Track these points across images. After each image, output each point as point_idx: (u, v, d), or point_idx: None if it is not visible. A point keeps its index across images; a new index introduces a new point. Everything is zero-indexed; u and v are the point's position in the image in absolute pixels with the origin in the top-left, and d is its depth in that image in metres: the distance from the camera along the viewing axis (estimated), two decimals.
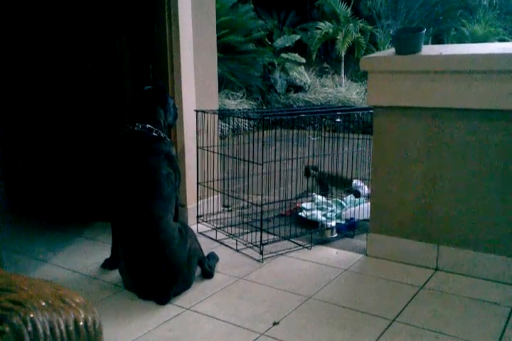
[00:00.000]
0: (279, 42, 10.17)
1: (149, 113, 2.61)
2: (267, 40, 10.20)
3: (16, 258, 2.77)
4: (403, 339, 1.98)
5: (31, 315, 0.89)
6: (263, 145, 2.81)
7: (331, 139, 3.53)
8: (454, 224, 2.57)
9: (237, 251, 2.90)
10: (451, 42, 10.15)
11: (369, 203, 2.93)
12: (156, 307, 2.22)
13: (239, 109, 5.61)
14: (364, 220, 3.20)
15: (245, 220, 3.32)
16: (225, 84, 8.50)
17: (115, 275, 2.50)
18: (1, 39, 3.48)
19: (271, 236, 3.01)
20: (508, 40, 9.73)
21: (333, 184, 3.78)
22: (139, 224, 2.32)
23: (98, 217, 3.29)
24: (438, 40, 10.62)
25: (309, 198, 3.60)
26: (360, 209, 3.27)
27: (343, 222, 3.21)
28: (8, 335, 0.85)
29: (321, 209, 3.40)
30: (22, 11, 3.39)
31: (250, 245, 2.92)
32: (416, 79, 2.55)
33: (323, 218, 3.22)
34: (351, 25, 10.11)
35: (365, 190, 3.54)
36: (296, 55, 9.97)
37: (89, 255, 2.83)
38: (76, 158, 3.39)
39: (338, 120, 3.34)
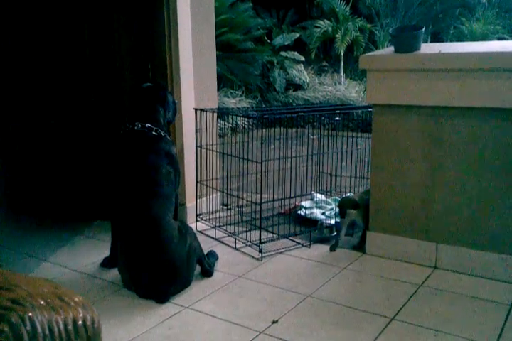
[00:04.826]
0: (278, 40, 10.15)
1: (149, 111, 2.60)
2: (266, 38, 10.17)
3: (15, 257, 2.77)
4: (402, 337, 1.98)
5: (30, 314, 0.89)
6: (262, 143, 2.81)
7: (330, 137, 3.53)
8: (453, 222, 2.57)
9: (236, 249, 2.90)
10: (450, 41, 10.14)
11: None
12: (156, 306, 2.22)
13: (238, 108, 5.60)
14: None
15: (244, 218, 3.32)
16: (224, 82, 8.48)
17: (114, 274, 2.50)
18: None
19: (270, 235, 3.01)
20: (507, 39, 9.72)
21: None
22: (138, 223, 2.32)
23: (97, 216, 3.29)
24: (437, 38, 10.61)
25: (308, 196, 3.60)
26: None
27: None
28: (6, 334, 0.85)
29: (320, 207, 3.40)
30: (21, 16, 3.38)
31: (249, 243, 2.92)
32: (415, 78, 2.55)
33: (323, 216, 3.22)
34: (350, 23, 10.10)
35: None
36: (295, 53, 9.95)
37: (88, 254, 2.83)
38: (75, 156, 3.39)
39: (337, 118, 3.35)
